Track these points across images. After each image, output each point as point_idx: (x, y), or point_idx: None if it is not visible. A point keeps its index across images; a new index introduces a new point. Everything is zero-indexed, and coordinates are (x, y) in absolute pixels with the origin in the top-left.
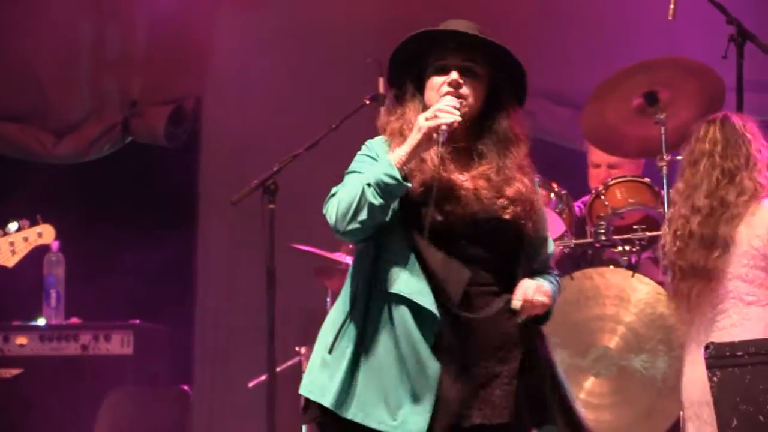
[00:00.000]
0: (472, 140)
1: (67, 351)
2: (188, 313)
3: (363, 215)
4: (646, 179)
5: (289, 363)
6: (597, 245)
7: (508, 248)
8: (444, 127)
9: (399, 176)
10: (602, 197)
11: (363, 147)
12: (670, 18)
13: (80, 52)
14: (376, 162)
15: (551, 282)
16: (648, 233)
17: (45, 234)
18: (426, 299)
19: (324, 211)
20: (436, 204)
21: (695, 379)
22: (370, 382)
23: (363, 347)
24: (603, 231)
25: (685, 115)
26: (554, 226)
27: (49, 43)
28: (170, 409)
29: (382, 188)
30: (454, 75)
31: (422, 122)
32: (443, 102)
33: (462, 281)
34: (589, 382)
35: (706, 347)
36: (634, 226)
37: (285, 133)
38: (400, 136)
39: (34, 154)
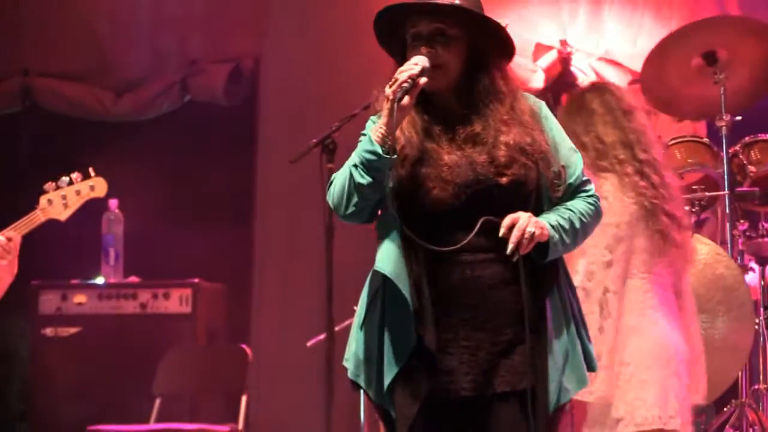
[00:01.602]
0: (458, 105)
1: (126, 309)
2: (247, 271)
3: (355, 198)
4: (705, 139)
5: (348, 322)
6: None
7: (514, 209)
8: (405, 85)
9: (380, 150)
10: None
11: (366, 124)
12: None
13: (139, 10)
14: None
15: (569, 209)
16: (707, 193)
17: (97, 187)
18: (399, 278)
19: (327, 199)
20: (429, 176)
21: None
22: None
23: (386, 323)
24: None
25: (745, 75)
26: None
27: (108, 1)
28: (228, 368)
29: (367, 166)
30: (422, 51)
31: (387, 90)
32: (406, 64)
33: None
34: None
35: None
36: (694, 186)
37: (343, 92)
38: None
39: (93, 113)
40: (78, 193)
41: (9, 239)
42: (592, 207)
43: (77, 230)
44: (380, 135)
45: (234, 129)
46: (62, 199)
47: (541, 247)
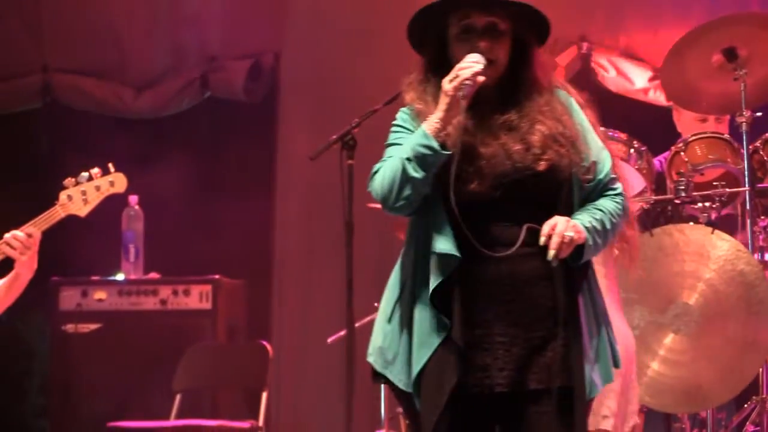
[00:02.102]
0: (498, 97)
1: (146, 306)
2: (267, 267)
3: (407, 191)
4: (726, 135)
5: (368, 318)
6: (677, 201)
7: (549, 198)
8: (468, 82)
9: (436, 146)
10: (682, 153)
11: (397, 116)
12: None
13: (159, 6)
14: (411, 132)
15: (600, 209)
16: (728, 189)
17: (117, 183)
18: (448, 246)
19: (369, 189)
20: (467, 170)
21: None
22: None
23: (417, 316)
24: (683, 187)
25: (766, 71)
26: (635, 182)
27: None
28: (249, 364)
29: (421, 160)
30: (480, 46)
31: (446, 85)
32: (464, 60)
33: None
34: (669, 339)
35: None
36: (714, 183)
37: (364, 88)
38: (420, 101)
39: (113, 109)
40: (98, 188)
41: (29, 235)
42: (619, 207)
43: (97, 226)
44: (435, 129)
45: (254, 125)
46: (82, 194)
47: (576, 249)
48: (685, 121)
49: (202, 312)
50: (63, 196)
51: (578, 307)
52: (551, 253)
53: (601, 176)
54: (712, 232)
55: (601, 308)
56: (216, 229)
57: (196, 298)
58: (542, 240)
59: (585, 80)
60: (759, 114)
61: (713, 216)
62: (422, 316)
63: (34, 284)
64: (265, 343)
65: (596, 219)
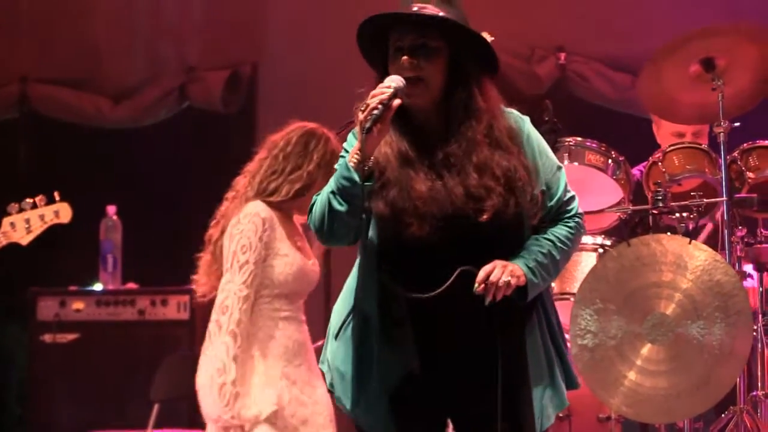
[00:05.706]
0: (438, 123)
1: (124, 316)
2: None
3: (335, 224)
4: (704, 145)
5: None
6: (654, 212)
7: (492, 242)
8: (375, 112)
9: (356, 177)
10: (659, 164)
11: (348, 137)
12: None
13: (137, 16)
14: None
15: (548, 239)
16: (705, 200)
17: (62, 213)
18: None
19: (308, 223)
20: (406, 212)
21: None
22: (367, 372)
23: (365, 337)
24: (660, 198)
25: (744, 82)
26: (612, 192)
27: (106, 8)
28: None
29: (344, 192)
30: (403, 62)
31: (360, 116)
32: (379, 86)
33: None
34: (646, 349)
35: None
36: (692, 193)
37: (341, 99)
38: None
39: (91, 119)
40: (42, 218)
41: None
42: (572, 231)
43: (75, 237)
44: (356, 161)
45: (232, 135)
46: (25, 223)
47: (521, 289)
48: (663, 134)
49: (179, 322)
50: (6, 223)
51: (524, 347)
52: (487, 299)
53: (552, 203)
54: (690, 243)
55: (551, 334)
56: (194, 239)
57: (174, 308)
58: (477, 288)
59: (562, 90)
60: (737, 124)
61: (691, 226)
62: (380, 348)
63: (13, 295)
64: None
65: (543, 252)
